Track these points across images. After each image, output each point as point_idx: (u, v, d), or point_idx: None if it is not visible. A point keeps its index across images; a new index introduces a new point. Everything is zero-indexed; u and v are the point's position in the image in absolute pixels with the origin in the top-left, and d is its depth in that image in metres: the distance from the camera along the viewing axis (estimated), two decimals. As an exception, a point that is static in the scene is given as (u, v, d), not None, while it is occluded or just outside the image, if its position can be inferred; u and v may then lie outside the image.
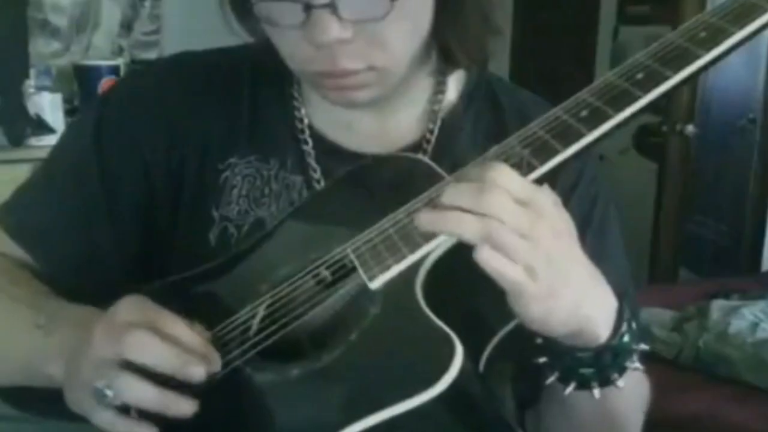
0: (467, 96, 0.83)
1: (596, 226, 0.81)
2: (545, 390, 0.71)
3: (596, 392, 0.66)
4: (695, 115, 3.13)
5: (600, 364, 0.65)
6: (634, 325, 0.66)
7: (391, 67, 0.71)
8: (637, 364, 0.67)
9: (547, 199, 0.61)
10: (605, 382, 0.66)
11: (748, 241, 3.33)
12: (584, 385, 0.66)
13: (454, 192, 0.60)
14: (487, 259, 0.58)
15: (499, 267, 0.58)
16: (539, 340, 0.66)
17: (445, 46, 0.75)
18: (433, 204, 0.62)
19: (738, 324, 2.15)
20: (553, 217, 0.60)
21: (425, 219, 0.61)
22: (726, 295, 2.38)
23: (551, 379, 0.67)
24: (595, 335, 0.64)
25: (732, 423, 1.88)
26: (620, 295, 0.66)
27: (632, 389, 0.68)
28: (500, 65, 4.03)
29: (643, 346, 0.67)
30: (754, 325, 2.14)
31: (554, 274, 0.59)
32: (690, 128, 3.06)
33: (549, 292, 0.59)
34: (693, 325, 2.20)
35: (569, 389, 0.67)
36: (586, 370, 0.65)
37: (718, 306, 2.25)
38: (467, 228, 0.58)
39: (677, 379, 1.99)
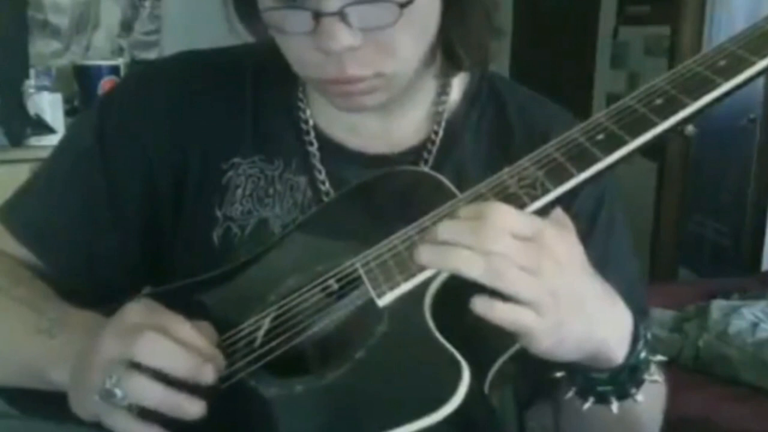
0: (470, 96, 0.82)
1: (603, 227, 0.80)
2: (563, 403, 0.70)
3: (614, 407, 0.66)
4: (695, 115, 3.13)
5: (617, 381, 0.65)
6: (649, 336, 0.65)
7: (399, 73, 0.71)
8: (656, 377, 0.67)
9: (550, 231, 0.59)
10: (623, 396, 0.66)
11: (748, 241, 3.34)
12: (603, 400, 0.66)
13: (452, 229, 0.59)
14: (485, 309, 0.57)
15: (498, 315, 0.57)
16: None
17: (449, 47, 0.75)
18: (430, 238, 0.61)
19: (738, 324, 2.16)
20: (556, 249, 0.59)
21: (425, 256, 0.60)
22: (726, 295, 2.38)
23: (570, 395, 0.67)
24: (612, 357, 0.64)
25: (732, 423, 1.88)
26: (635, 311, 0.65)
27: (650, 397, 0.68)
28: (500, 65, 4.02)
29: (660, 357, 0.67)
30: (754, 325, 2.15)
31: (562, 307, 0.58)
32: (690, 128, 3.06)
33: (557, 325, 0.58)
34: (693, 325, 2.21)
35: (587, 404, 0.67)
36: (604, 388, 0.65)
37: (718, 306, 2.26)
38: (472, 265, 0.57)
39: (677, 379, 1.98)
